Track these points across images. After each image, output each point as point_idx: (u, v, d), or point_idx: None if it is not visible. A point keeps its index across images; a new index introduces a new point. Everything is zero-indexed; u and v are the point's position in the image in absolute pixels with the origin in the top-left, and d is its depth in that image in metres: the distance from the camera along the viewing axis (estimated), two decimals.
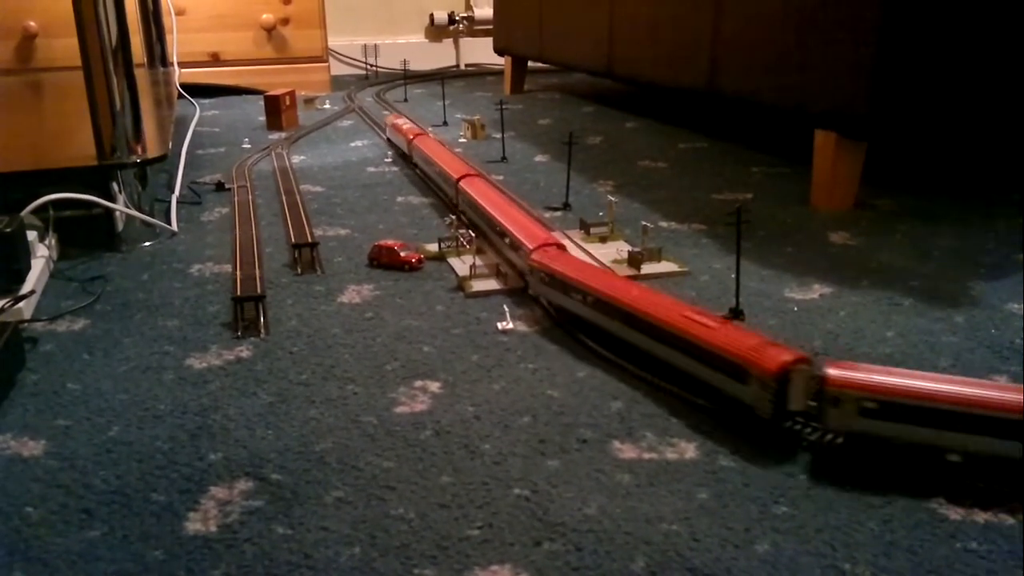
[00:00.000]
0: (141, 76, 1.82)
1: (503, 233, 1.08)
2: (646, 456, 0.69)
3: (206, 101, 2.65)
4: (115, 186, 1.23)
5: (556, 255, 0.96)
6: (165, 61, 2.54)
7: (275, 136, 2.08)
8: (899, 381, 0.65)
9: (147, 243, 1.26)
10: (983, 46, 1.19)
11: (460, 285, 1.06)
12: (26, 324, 0.96)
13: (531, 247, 0.99)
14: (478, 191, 1.22)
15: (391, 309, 0.99)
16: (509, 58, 2.73)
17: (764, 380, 0.69)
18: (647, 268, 1.08)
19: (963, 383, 0.65)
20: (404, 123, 1.81)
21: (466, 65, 3.56)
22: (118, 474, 0.68)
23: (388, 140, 1.94)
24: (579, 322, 0.90)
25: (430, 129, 1.98)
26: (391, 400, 0.78)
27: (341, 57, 3.41)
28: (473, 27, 3.51)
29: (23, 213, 1.11)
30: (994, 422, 0.62)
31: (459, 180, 1.30)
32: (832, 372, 0.67)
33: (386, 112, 2.34)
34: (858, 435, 0.66)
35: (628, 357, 0.83)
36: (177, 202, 1.43)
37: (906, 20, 1.16)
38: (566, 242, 1.16)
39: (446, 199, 1.41)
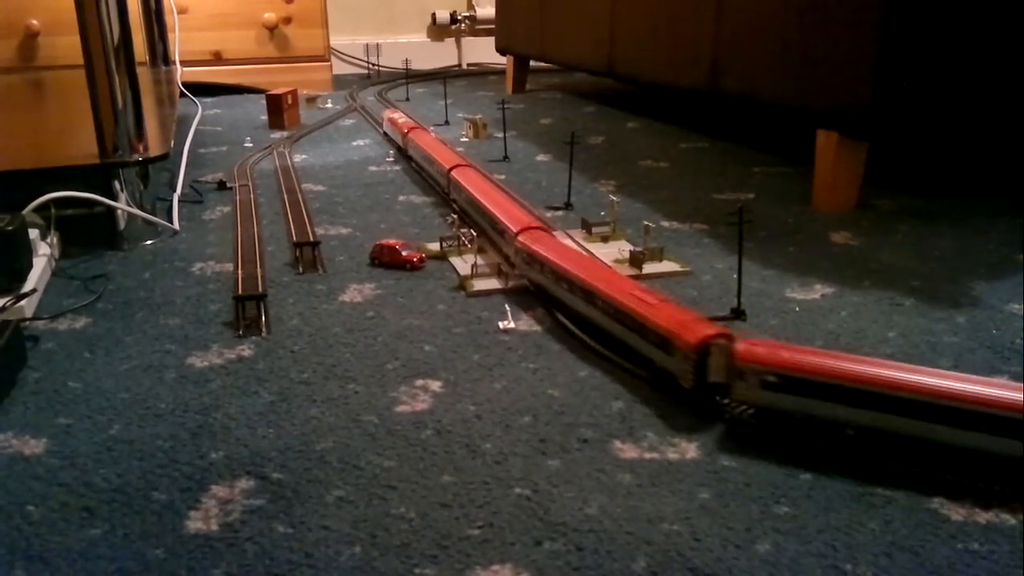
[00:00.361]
0: (143, 75, 1.82)
1: (489, 217, 1.14)
2: (647, 456, 0.69)
3: (208, 100, 2.65)
4: (117, 184, 1.23)
5: (538, 237, 1.02)
6: (167, 60, 2.54)
7: (277, 135, 2.09)
8: (798, 357, 0.69)
9: (149, 241, 1.26)
10: (985, 46, 1.19)
11: (461, 284, 1.06)
12: (27, 322, 0.96)
13: (515, 230, 1.05)
14: (468, 180, 1.30)
15: (392, 308, 0.99)
16: (511, 57, 2.73)
17: (686, 352, 0.74)
18: (649, 268, 1.08)
19: (872, 363, 0.68)
20: (400, 117, 1.88)
21: (468, 64, 3.56)
22: (119, 472, 0.68)
23: (384, 134, 2.01)
24: (555, 302, 0.96)
25: (431, 128, 1.98)
26: (392, 399, 0.79)
27: (343, 56, 3.41)
28: (475, 26, 3.51)
29: (25, 211, 1.11)
30: (890, 400, 0.65)
31: (451, 170, 1.37)
32: (739, 347, 0.71)
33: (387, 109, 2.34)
34: (764, 408, 0.70)
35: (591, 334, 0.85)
36: (179, 201, 1.43)
37: (908, 20, 1.16)
38: (567, 239, 1.16)
39: (439, 189, 1.46)
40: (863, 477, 0.65)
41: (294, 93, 2.22)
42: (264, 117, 2.25)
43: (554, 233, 1.06)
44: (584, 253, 1.03)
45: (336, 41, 3.23)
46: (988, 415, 0.62)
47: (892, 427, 0.66)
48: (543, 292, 0.97)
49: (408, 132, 1.72)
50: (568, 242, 1.07)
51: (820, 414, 0.68)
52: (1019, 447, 0.61)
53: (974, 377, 0.65)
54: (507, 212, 1.12)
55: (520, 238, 1.03)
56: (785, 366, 0.69)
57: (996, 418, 0.61)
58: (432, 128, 2.02)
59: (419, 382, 0.82)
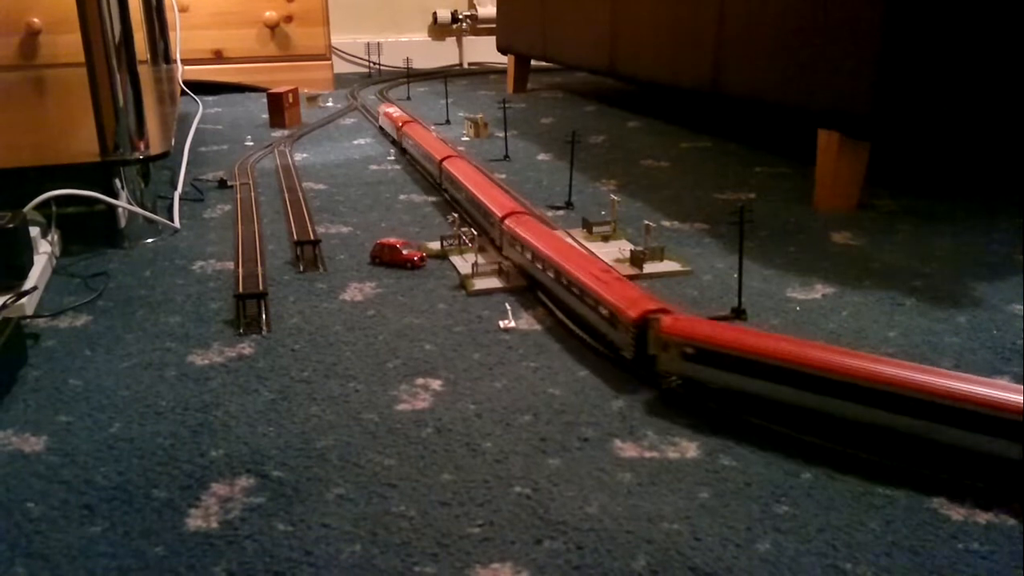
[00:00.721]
0: (144, 73, 1.82)
1: (477, 203, 1.23)
2: (647, 455, 0.69)
3: (209, 98, 2.66)
4: (118, 182, 1.23)
5: (522, 221, 1.09)
6: (168, 58, 2.54)
7: (278, 134, 2.09)
8: (713, 331, 0.75)
9: (149, 240, 1.26)
10: (986, 46, 1.19)
11: (462, 283, 1.06)
12: (28, 320, 0.96)
13: (500, 215, 1.13)
14: (458, 169, 1.38)
15: (393, 307, 0.99)
16: (512, 57, 2.73)
17: (627, 325, 0.80)
18: (649, 267, 1.08)
19: (783, 340, 0.72)
20: (394, 111, 1.97)
21: (469, 64, 3.56)
22: (119, 470, 0.68)
23: (380, 128, 2.09)
24: (535, 281, 1.02)
25: (432, 127, 1.98)
26: (392, 398, 0.78)
27: (344, 55, 3.41)
28: (476, 26, 3.51)
29: (26, 209, 1.11)
30: (795, 374, 0.69)
31: (442, 160, 1.45)
32: (664, 320, 0.77)
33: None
34: (688, 378, 0.76)
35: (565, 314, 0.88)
36: (180, 199, 1.43)
37: (909, 20, 1.16)
38: (567, 238, 1.16)
39: (432, 179, 1.55)
40: (863, 476, 0.65)
41: (295, 92, 2.22)
42: (265, 116, 2.25)
43: (538, 219, 1.12)
44: (562, 237, 1.08)
45: (337, 40, 3.23)
46: (888, 393, 0.65)
47: (805, 403, 0.69)
48: (524, 273, 1.05)
49: (403, 126, 1.80)
50: (563, 236, 1.10)
51: (733, 386, 0.73)
52: (909, 422, 0.65)
53: (887, 359, 0.68)
54: (493, 198, 1.20)
55: (506, 222, 1.10)
56: (700, 339, 0.74)
57: (895, 396, 0.65)
58: (433, 127, 2.02)
59: (419, 381, 0.82)
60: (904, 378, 0.65)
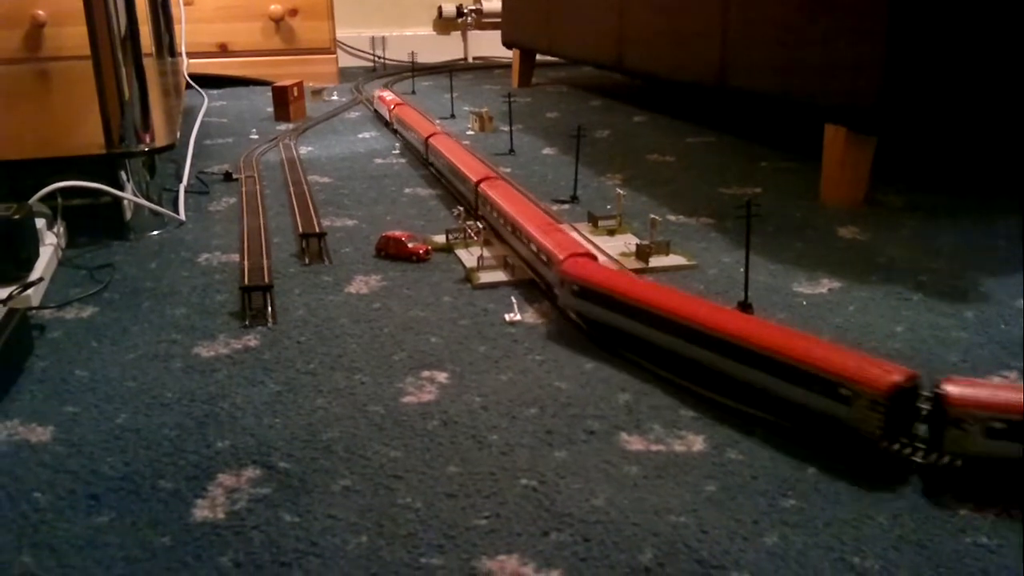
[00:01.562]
0: (149, 66, 1.82)
1: (455, 171, 1.38)
2: (654, 448, 0.69)
3: (214, 92, 2.65)
4: (123, 175, 1.23)
5: (493, 184, 1.22)
6: (173, 51, 2.54)
7: (283, 127, 2.08)
8: (592, 271, 0.87)
9: (155, 232, 1.26)
10: (993, 40, 1.18)
11: (468, 277, 1.05)
12: (34, 311, 0.96)
13: (475, 180, 1.25)
14: (442, 144, 1.52)
15: (398, 300, 0.99)
16: (517, 51, 2.72)
17: (556, 268, 0.91)
18: (655, 261, 1.08)
19: (652, 287, 0.84)
20: (387, 95, 2.12)
21: (474, 58, 3.56)
22: (126, 461, 0.68)
23: (375, 111, 2.22)
24: (500, 237, 1.14)
25: (437, 121, 1.98)
26: (398, 390, 0.78)
27: (349, 49, 3.40)
28: (481, 20, 3.51)
29: (31, 201, 1.11)
30: (656, 317, 0.80)
31: (428, 137, 1.58)
32: (567, 262, 0.90)
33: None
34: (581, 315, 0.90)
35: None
36: (185, 191, 1.43)
37: (915, 14, 1.16)
38: (572, 232, 1.16)
39: (420, 155, 1.67)
40: (871, 470, 0.65)
41: (300, 85, 2.22)
42: (270, 109, 2.25)
43: (510, 185, 1.25)
44: (526, 199, 1.18)
45: (342, 34, 3.23)
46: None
47: (663, 342, 0.80)
48: (493, 230, 1.16)
49: (394, 108, 1.95)
50: (535, 203, 1.19)
51: (612, 323, 0.85)
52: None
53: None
54: (469, 165, 1.34)
55: (481, 186, 1.23)
56: (582, 278, 0.87)
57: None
58: (438, 121, 2.01)
59: (425, 373, 0.82)
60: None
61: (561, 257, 0.91)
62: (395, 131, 1.91)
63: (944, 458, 0.63)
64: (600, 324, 0.87)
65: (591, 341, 0.87)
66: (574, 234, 1.02)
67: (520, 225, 1.04)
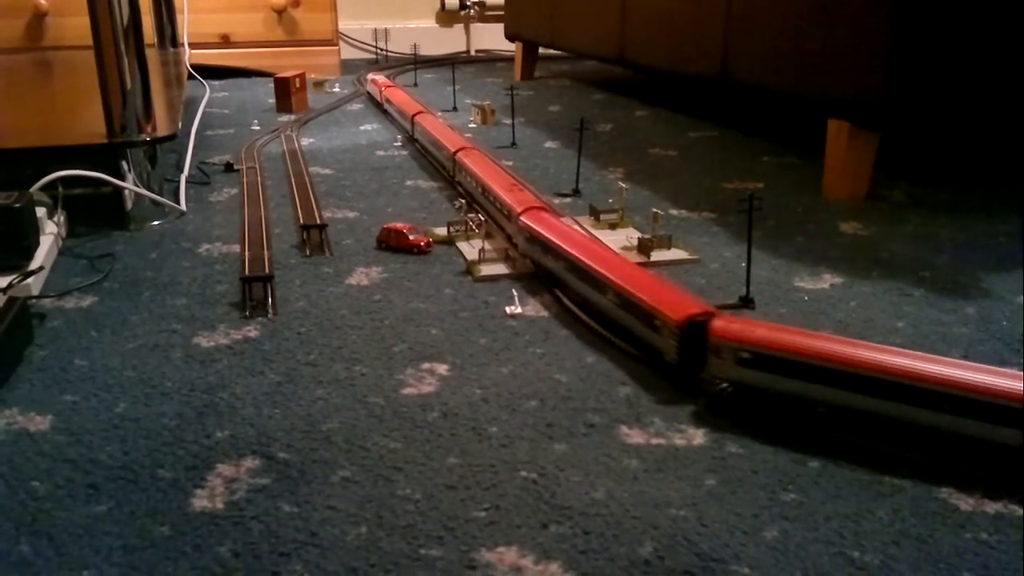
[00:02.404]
0: (151, 56, 1.81)
1: (435, 142, 1.54)
2: (654, 442, 0.69)
3: (216, 83, 2.65)
4: (124, 164, 1.22)
5: (468, 153, 1.37)
6: (175, 42, 2.54)
7: (284, 118, 2.08)
8: (542, 223, 1.01)
9: (156, 222, 1.26)
10: (996, 36, 1.18)
11: (469, 269, 1.05)
12: (34, 300, 0.96)
13: (452, 150, 1.40)
14: (426, 121, 1.67)
15: (399, 292, 0.99)
16: (520, 44, 2.72)
17: (515, 219, 1.05)
18: (657, 255, 1.08)
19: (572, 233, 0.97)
20: (379, 78, 2.30)
21: (476, 51, 3.55)
22: (125, 450, 0.68)
23: (367, 93, 2.39)
24: (471, 198, 1.27)
25: (439, 113, 1.98)
26: (399, 381, 0.78)
27: (351, 41, 3.40)
28: (484, 12, 3.50)
29: (32, 189, 1.10)
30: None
31: (414, 116, 1.74)
32: (523, 215, 1.03)
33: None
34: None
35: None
36: (186, 182, 1.42)
37: (919, 9, 1.15)
38: (574, 225, 1.15)
39: (407, 132, 1.84)
40: (871, 465, 0.65)
41: (302, 77, 2.21)
42: (272, 100, 2.24)
43: (484, 154, 1.38)
44: (493, 164, 1.32)
45: (344, 25, 3.22)
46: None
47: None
48: (469, 194, 1.30)
49: (385, 89, 2.11)
50: (503, 168, 1.30)
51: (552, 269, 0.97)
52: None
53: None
54: (447, 137, 1.50)
55: (457, 155, 1.37)
56: (532, 227, 1.00)
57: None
58: (440, 114, 2.01)
59: (425, 365, 0.81)
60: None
61: (519, 210, 1.05)
62: (385, 111, 2.11)
63: (718, 383, 0.73)
64: (545, 269, 0.99)
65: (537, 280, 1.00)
66: (533, 194, 1.14)
67: (488, 185, 1.19)
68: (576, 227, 1.06)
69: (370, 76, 2.39)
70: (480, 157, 1.34)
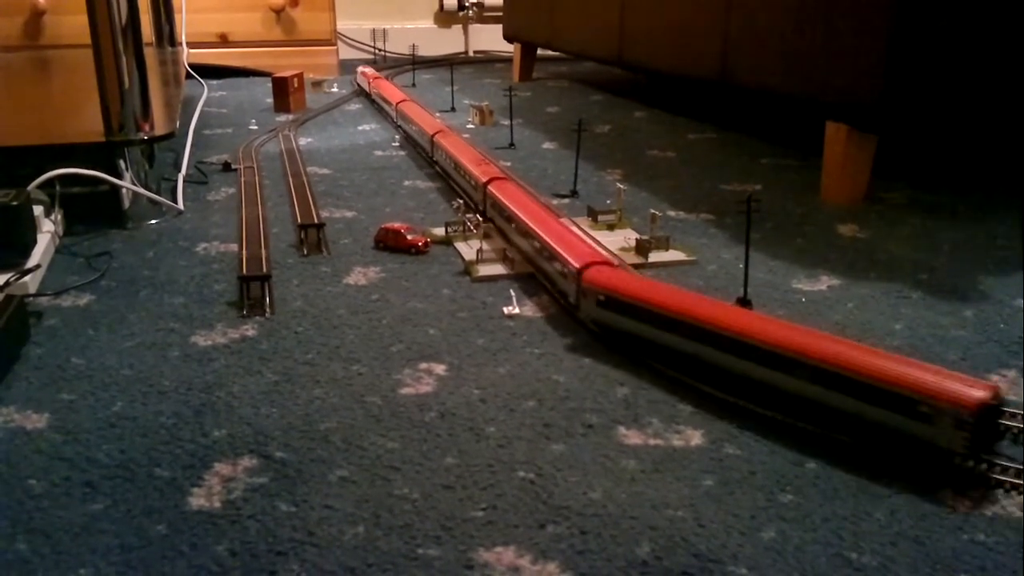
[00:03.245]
0: (149, 55, 1.81)
1: (415, 126, 1.70)
2: (652, 442, 0.69)
3: (214, 82, 2.65)
4: (122, 163, 1.22)
5: (444, 135, 1.51)
6: (173, 41, 2.53)
7: (282, 118, 2.08)
8: (505, 192, 1.15)
9: (153, 221, 1.26)
10: (994, 38, 1.18)
11: (466, 269, 1.05)
12: (31, 298, 0.96)
13: (431, 133, 1.55)
14: (408, 109, 1.81)
15: (397, 291, 0.99)
16: (518, 45, 2.72)
17: (478, 186, 1.22)
18: (655, 256, 1.08)
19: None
20: (369, 71, 2.43)
21: (475, 51, 3.55)
22: (122, 448, 0.68)
23: (358, 84, 2.50)
24: (445, 171, 1.46)
25: (437, 114, 1.98)
26: (396, 381, 0.78)
27: (349, 41, 3.40)
28: (482, 13, 3.50)
29: (29, 188, 1.10)
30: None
31: (398, 104, 1.91)
32: (491, 184, 1.18)
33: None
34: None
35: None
36: (184, 181, 1.42)
37: (918, 12, 1.15)
38: (573, 227, 1.15)
39: (392, 119, 1.99)
40: (868, 466, 0.65)
41: (300, 76, 2.21)
42: (270, 100, 2.24)
43: (459, 136, 1.52)
44: (466, 143, 1.46)
45: (343, 25, 3.22)
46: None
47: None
48: (444, 170, 1.48)
49: (373, 81, 2.26)
50: (483, 154, 1.40)
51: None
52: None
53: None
54: (426, 121, 1.65)
55: (435, 137, 1.52)
56: (487, 194, 1.17)
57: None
58: (438, 114, 2.01)
59: (423, 365, 0.81)
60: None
61: (482, 179, 1.22)
62: (372, 100, 2.28)
63: (589, 322, 0.87)
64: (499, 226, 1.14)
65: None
66: (498, 168, 1.28)
67: (459, 161, 1.36)
68: (529, 195, 1.15)
69: (359, 69, 2.51)
70: (455, 138, 1.49)
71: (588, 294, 0.86)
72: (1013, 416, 0.64)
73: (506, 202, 1.11)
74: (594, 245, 0.97)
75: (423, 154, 1.62)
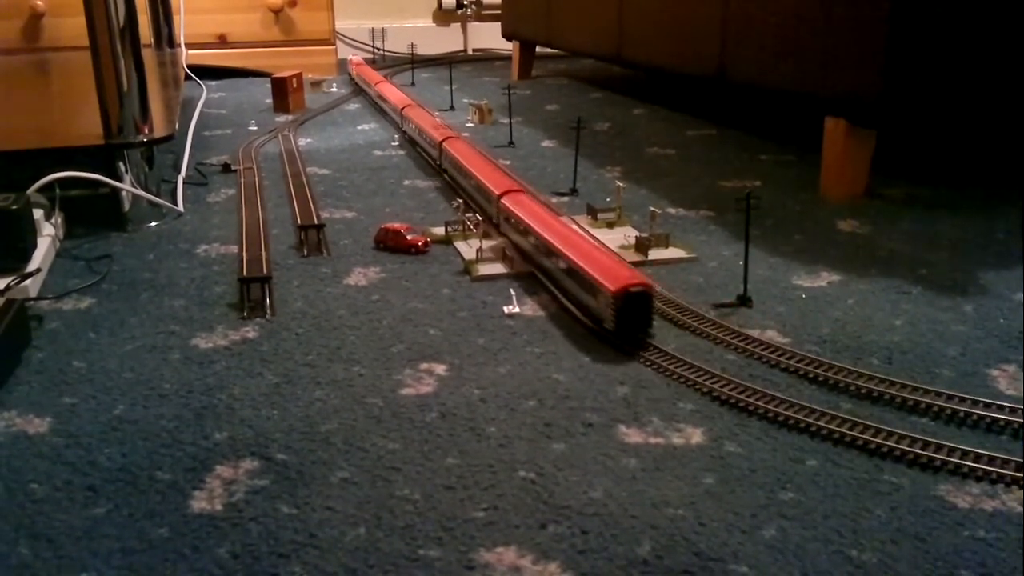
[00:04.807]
0: (148, 57, 1.81)
1: (388, 103, 1.96)
2: (652, 441, 0.69)
3: (213, 83, 2.65)
4: (121, 166, 1.22)
5: (412, 108, 1.76)
6: (172, 42, 2.53)
7: (282, 118, 2.08)
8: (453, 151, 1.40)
9: (153, 223, 1.26)
10: (993, 34, 1.18)
11: (466, 269, 1.05)
12: (32, 302, 0.96)
13: (400, 107, 1.80)
14: (386, 90, 2.04)
15: (397, 292, 0.99)
16: (517, 43, 2.72)
17: (436, 146, 1.43)
18: (655, 254, 1.08)
19: None
20: (356, 58, 2.71)
21: (473, 50, 3.55)
22: (123, 452, 0.68)
23: (348, 73, 2.66)
24: (419, 146, 1.67)
25: (436, 113, 1.98)
26: (397, 382, 0.78)
27: (348, 40, 3.39)
28: (481, 12, 3.50)
29: (29, 191, 1.10)
30: None
31: (376, 84, 2.15)
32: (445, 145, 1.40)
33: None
34: None
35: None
36: (183, 183, 1.42)
37: (917, 6, 1.15)
38: (572, 224, 1.15)
39: (370, 100, 2.26)
40: (869, 463, 0.65)
41: (299, 77, 2.21)
42: (269, 100, 2.24)
43: (433, 117, 1.71)
44: (427, 113, 1.72)
45: (341, 25, 3.22)
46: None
47: None
48: (416, 143, 1.68)
49: (356, 68, 2.52)
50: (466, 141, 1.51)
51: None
52: None
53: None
54: (397, 97, 1.91)
55: (404, 111, 1.77)
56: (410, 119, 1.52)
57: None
58: (437, 113, 2.01)
59: (424, 365, 0.81)
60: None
61: (439, 139, 1.44)
62: (357, 85, 2.50)
63: None
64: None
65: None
66: (453, 130, 1.49)
67: (422, 127, 1.59)
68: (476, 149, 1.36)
69: (350, 58, 2.74)
70: (420, 111, 1.73)
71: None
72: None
73: (457, 155, 1.32)
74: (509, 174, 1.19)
75: (396, 127, 1.85)
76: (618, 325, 0.83)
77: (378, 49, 3.42)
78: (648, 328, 0.85)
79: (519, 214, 1.03)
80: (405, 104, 1.80)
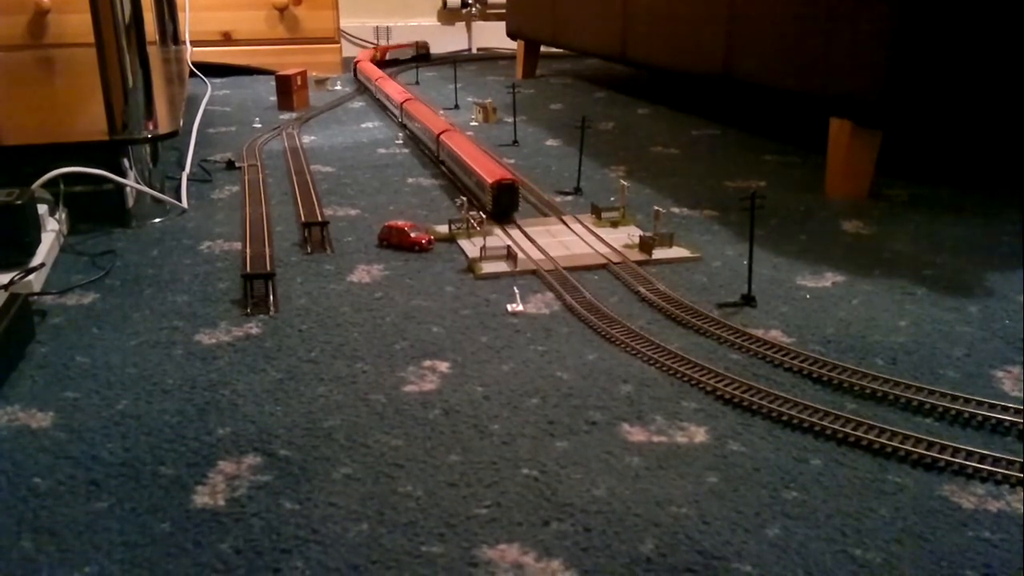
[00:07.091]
0: (153, 54, 1.81)
1: (386, 95, 2.06)
2: (656, 439, 0.69)
3: (217, 80, 2.65)
4: (126, 162, 1.22)
5: (412, 104, 1.81)
6: (177, 39, 2.54)
7: (286, 116, 2.08)
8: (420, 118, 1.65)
9: (157, 219, 1.26)
10: (998, 35, 1.17)
11: (470, 267, 1.05)
12: (36, 297, 0.96)
13: (400, 100, 1.88)
14: (385, 84, 2.13)
15: (400, 289, 0.99)
16: (521, 42, 2.71)
17: (434, 137, 1.51)
18: (659, 253, 1.08)
19: None
20: (357, 55, 2.84)
21: (478, 49, 3.55)
22: (126, 447, 0.68)
23: (353, 69, 2.70)
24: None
25: (440, 111, 1.98)
26: (400, 379, 0.78)
27: (353, 39, 3.39)
28: (486, 11, 3.49)
29: (34, 186, 1.10)
30: None
31: (376, 79, 2.23)
32: (443, 135, 1.50)
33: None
34: None
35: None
36: (187, 179, 1.42)
37: (921, 8, 1.15)
38: (575, 224, 1.15)
39: (366, 89, 2.41)
40: (873, 463, 0.65)
41: (304, 74, 2.21)
42: (273, 98, 2.24)
43: (425, 105, 1.80)
44: (426, 107, 1.78)
45: (346, 23, 3.22)
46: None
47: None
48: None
49: (359, 62, 2.58)
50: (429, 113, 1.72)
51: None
52: None
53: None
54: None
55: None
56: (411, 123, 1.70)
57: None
58: (442, 112, 2.01)
59: (427, 362, 0.81)
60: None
61: (436, 131, 1.53)
62: (360, 80, 2.57)
63: None
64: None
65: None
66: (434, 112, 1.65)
67: (416, 117, 1.69)
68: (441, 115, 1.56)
69: (358, 55, 2.81)
70: (418, 104, 1.79)
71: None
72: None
73: (419, 117, 1.62)
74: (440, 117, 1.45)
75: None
76: (494, 206, 1.20)
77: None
78: (515, 210, 1.21)
79: (448, 144, 1.43)
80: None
